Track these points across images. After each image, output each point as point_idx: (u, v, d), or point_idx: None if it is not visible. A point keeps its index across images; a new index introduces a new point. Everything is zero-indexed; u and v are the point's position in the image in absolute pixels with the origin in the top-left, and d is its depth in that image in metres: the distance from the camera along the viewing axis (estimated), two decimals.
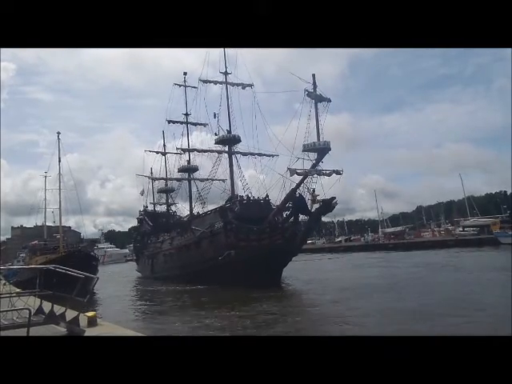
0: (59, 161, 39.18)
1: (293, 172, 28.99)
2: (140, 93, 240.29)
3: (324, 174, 29.82)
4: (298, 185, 30.07)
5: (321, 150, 29.27)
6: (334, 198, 29.41)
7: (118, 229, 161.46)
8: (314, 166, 29.67)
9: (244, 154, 36.77)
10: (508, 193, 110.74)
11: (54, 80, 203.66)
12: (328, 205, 29.49)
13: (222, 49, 37.32)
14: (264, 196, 35.15)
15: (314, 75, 30.02)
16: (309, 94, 29.14)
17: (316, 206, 30.36)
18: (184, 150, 40.20)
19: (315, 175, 29.94)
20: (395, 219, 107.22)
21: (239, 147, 36.95)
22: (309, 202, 30.50)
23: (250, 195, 35.53)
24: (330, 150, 29.25)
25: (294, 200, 30.46)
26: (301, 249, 31.78)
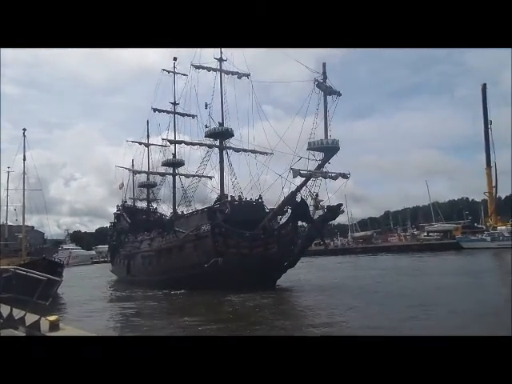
0: (24, 159, 34.12)
1: (296, 173, 22.80)
2: (105, 90, 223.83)
3: (330, 177, 23.54)
4: (300, 187, 23.98)
5: (328, 149, 23.22)
6: (341, 204, 23.37)
7: (83, 229, 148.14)
8: (319, 166, 23.61)
9: (236, 150, 30.24)
10: (470, 199, 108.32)
11: (18, 73, 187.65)
12: (334, 212, 23.38)
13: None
14: (257, 198, 28.51)
15: (324, 64, 24.01)
16: (319, 85, 23.09)
17: (319, 212, 24.06)
18: (170, 142, 33.10)
19: (320, 178, 23.56)
20: (364, 224, 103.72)
21: (232, 142, 30.17)
22: (310, 208, 24.14)
23: (241, 196, 28.76)
24: (338, 149, 23.01)
25: (294, 204, 24.23)
26: (298, 259, 25.26)
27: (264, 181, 29.11)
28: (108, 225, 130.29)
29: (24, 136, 34.08)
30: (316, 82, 23.13)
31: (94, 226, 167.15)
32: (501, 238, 58.71)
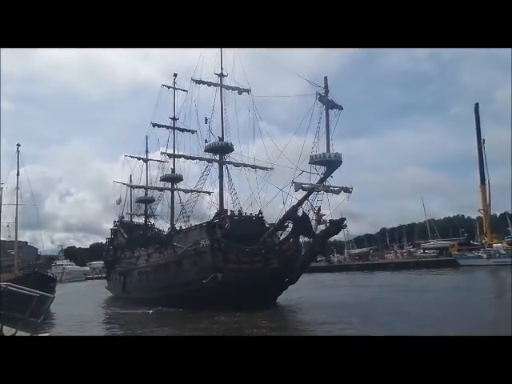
0: (17, 174, 34.37)
1: (298, 186, 22.06)
2: (100, 106, 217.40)
3: (332, 191, 22.77)
4: (302, 201, 23.19)
5: (331, 162, 22.46)
6: (344, 219, 22.53)
7: (77, 245, 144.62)
8: (321, 180, 22.85)
9: (236, 165, 29.29)
10: (465, 216, 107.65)
11: (13, 88, 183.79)
12: (337, 226, 22.52)
13: (218, 50, 29.87)
14: (257, 213, 27.61)
15: (325, 78, 23.48)
16: (320, 98, 22.56)
17: (321, 227, 23.21)
18: (169, 155, 32.27)
19: (322, 192, 22.78)
20: (360, 240, 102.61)
21: (232, 157, 29.39)
22: (312, 222, 23.29)
23: (241, 211, 27.87)
24: (341, 163, 22.30)
25: (295, 219, 23.29)
26: (300, 275, 24.27)
27: (264, 196, 28.32)
28: (103, 241, 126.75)
29: (18, 151, 33.72)
30: (318, 96, 22.60)
31: (88, 242, 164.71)
32: (497, 255, 57.94)
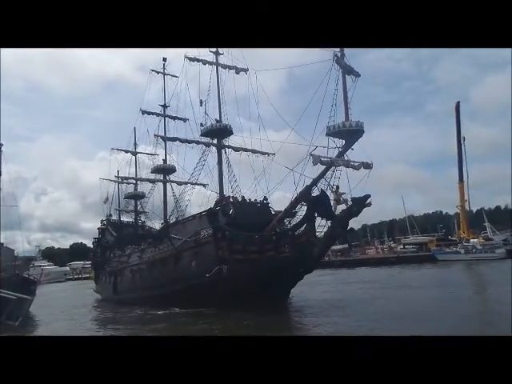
0: (0, 174, 29.32)
1: (317, 159, 17.78)
2: (72, 102, 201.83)
3: (352, 167, 18.48)
4: (318, 179, 18.94)
5: (352, 132, 18.13)
6: (369, 195, 18.17)
7: (55, 245, 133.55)
8: (341, 154, 18.66)
9: (236, 150, 24.79)
10: (443, 213, 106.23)
11: None
12: (360, 205, 18.13)
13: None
14: (261, 198, 23.17)
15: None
16: (338, 60, 18.30)
17: (341, 207, 18.94)
18: (163, 138, 27.03)
19: (340, 168, 18.52)
20: None
21: (231, 140, 24.95)
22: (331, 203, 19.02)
23: (244, 197, 23.35)
24: (363, 132, 18.13)
25: (312, 199, 18.91)
26: (319, 264, 19.75)
27: (266, 184, 23.90)
28: (83, 240, 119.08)
29: (0, 151, 29.04)
30: (335, 58, 18.45)
31: (67, 242, 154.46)
32: (474, 250, 56.85)
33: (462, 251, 57.89)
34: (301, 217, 20.25)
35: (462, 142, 62.11)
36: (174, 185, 30.56)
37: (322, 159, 18.20)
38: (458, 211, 68.59)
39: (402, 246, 74.41)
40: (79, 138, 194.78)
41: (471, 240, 60.95)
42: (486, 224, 69.25)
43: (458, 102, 61.40)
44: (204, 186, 28.40)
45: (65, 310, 25.93)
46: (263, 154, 25.75)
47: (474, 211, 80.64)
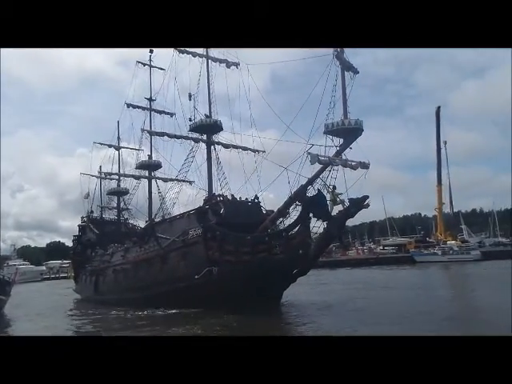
0: None
1: (315, 158, 16.77)
2: (50, 98, 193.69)
3: (350, 166, 17.57)
4: (313, 178, 17.88)
5: (351, 130, 17.13)
6: (367, 196, 17.27)
7: (31, 244, 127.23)
8: (338, 152, 17.65)
9: (226, 146, 23.55)
10: (422, 215, 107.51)
11: None
12: (358, 206, 17.22)
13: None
14: (252, 198, 22.04)
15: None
16: (338, 55, 17.26)
17: (338, 208, 18.03)
18: (150, 133, 25.31)
19: (337, 167, 17.57)
20: None
21: (221, 136, 23.68)
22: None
23: (233, 196, 22.15)
24: (362, 131, 17.24)
25: (307, 199, 17.93)
26: (313, 265, 18.76)
27: (258, 181, 22.75)
28: (60, 239, 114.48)
29: None
30: (336, 53, 17.43)
31: (43, 241, 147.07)
32: (451, 252, 57.99)
33: (439, 253, 58.80)
34: (295, 217, 19.21)
35: (444, 145, 62.59)
36: (160, 182, 29.04)
37: (321, 158, 17.18)
38: (436, 213, 69.34)
39: (381, 247, 74.96)
40: (58, 134, 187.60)
41: (448, 242, 62.07)
42: (463, 226, 70.38)
43: (439, 107, 61.96)
44: (190, 182, 26.95)
45: (41, 310, 24.24)
46: (253, 151, 24.54)
47: (452, 214, 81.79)
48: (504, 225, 76.82)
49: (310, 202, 17.94)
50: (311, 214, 18.15)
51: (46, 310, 24.32)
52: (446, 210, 65.56)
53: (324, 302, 20.62)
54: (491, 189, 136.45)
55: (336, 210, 18.35)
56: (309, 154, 17.08)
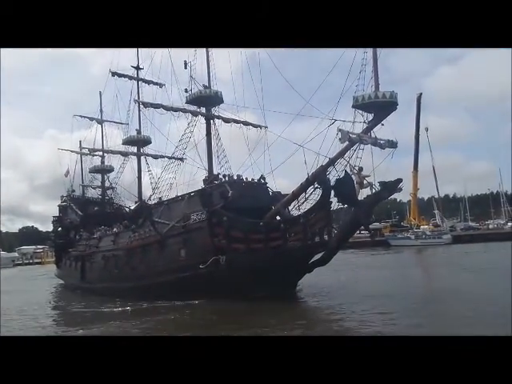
0: None
1: (345, 136, 14.10)
2: (15, 76, 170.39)
3: (379, 145, 14.99)
4: (336, 158, 15.18)
5: (384, 104, 14.45)
6: (401, 179, 14.80)
7: (2, 229, 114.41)
8: (368, 129, 14.98)
9: (226, 121, 20.45)
10: (397, 200, 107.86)
11: None
12: (391, 190, 14.74)
13: None
14: (258, 178, 19.27)
15: None
16: None
17: (364, 191, 15.59)
18: (145, 105, 21.27)
19: (363, 146, 15.01)
20: None
21: (222, 109, 20.58)
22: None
23: (239, 176, 19.24)
24: (397, 105, 14.61)
25: (327, 183, 15.29)
26: (335, 253, 16.24)
27: (262, 161, 19.86)
28: (33, 224, 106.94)
29: None
30: None
31: (15, 226, 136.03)
32: (423, 236, 57.77)
33: (413, 237, 58.37)
34: (313, 202, 16.56)
35: (426, 132, 61.46)
36: (150, 160, 25.52)
37: (352, 136, 14.49)
38: (411, 199, 69.05)
39: (357, 232, 74.14)
40: (25, 115, 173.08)
41: (422, 226, 61.99)
42: (436, 212, 70.33)
43: (420, 94, 60.13)
44: (182, 160, 23.31)
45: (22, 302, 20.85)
46: (255, 126, 21.58)
47: (426, 199, 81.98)
48: (475, 210, 78.01)
49: (337, 185, 15.32)
50: (337, 199, 15.55)
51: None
52: (433, 194, 65.04)
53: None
54: (463, 174, 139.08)
55: (363, 194, 15.89)
56: (339, 130, 14.39)
